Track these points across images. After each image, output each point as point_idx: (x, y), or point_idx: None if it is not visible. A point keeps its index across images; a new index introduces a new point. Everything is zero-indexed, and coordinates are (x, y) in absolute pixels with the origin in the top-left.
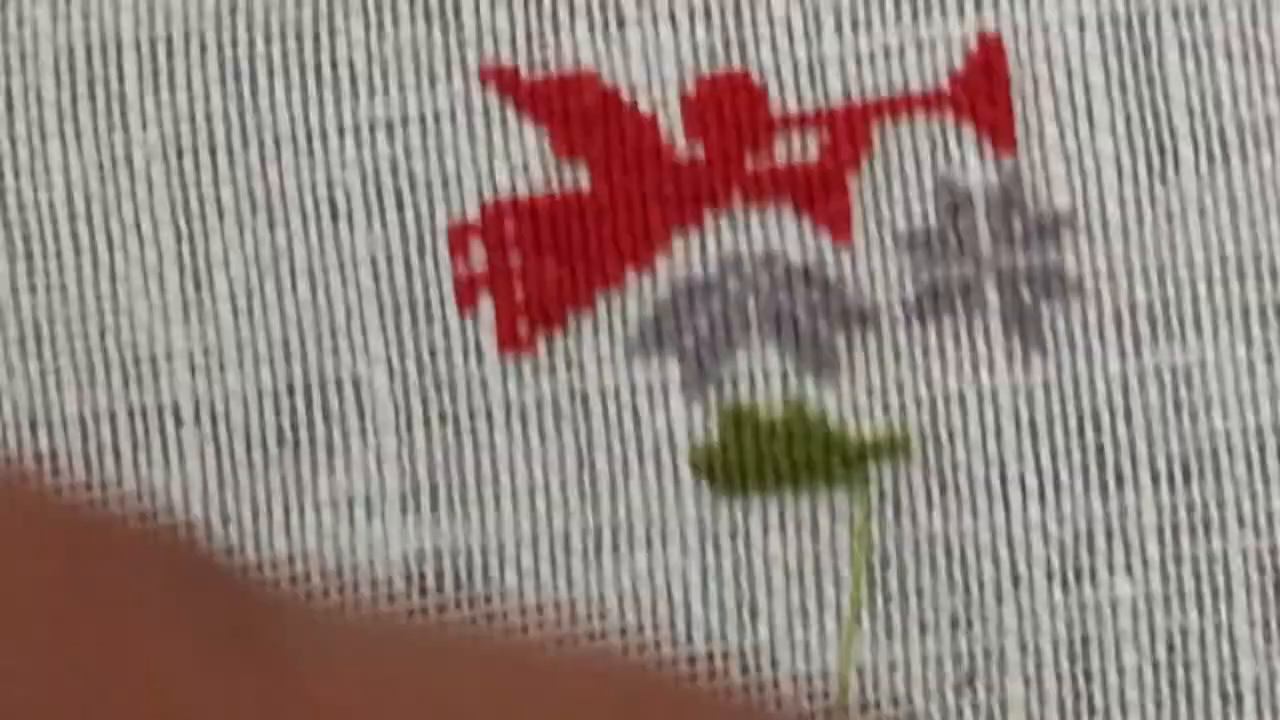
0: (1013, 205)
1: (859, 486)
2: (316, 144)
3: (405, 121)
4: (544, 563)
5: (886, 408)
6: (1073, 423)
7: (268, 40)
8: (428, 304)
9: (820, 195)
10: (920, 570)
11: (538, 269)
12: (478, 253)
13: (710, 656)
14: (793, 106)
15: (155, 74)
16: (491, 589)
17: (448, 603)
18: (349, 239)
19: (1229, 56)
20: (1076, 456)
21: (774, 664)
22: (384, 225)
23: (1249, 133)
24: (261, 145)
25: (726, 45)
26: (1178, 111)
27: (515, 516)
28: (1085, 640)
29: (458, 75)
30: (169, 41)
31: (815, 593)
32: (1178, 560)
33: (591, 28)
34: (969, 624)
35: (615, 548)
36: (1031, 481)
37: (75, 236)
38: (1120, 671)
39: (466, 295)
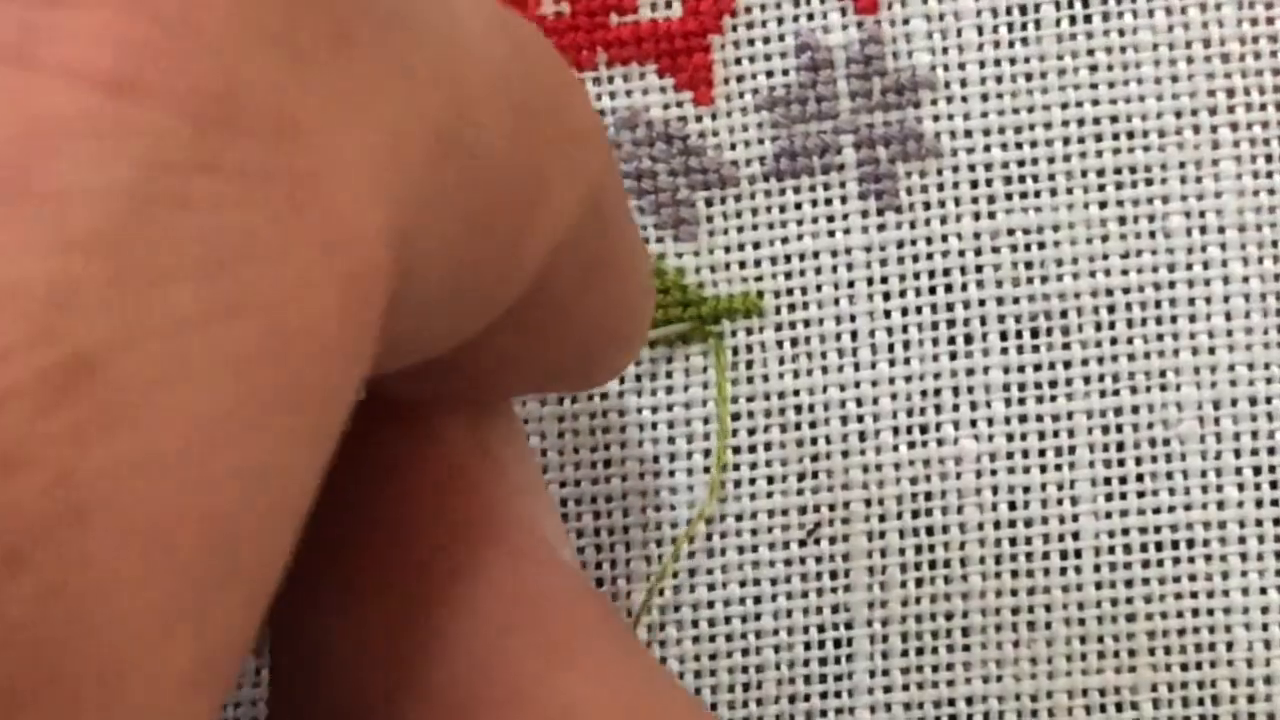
0: (872, 65)
1: (715, 344)
2: None
3: None
4: None
5: (743, 266)
6: (925, 282)
7: None
8: None
9: (683, 55)
10: (770, 425)
11: None
12: None
13: (564, 502)
14: None
15: None
16: None
17: None
18: None
19: None
20: (927, 315)
21: (625, 513)
22: None
23: None
24: None
25: None
26: None
27: None
28: (929, 495)
29: None
30: None
31: (668, 445)
32: (1023, 419)
33: None
34: (815, 477)
35: None
36: (882, 339)
37: None
38: (963, 527)
39: None
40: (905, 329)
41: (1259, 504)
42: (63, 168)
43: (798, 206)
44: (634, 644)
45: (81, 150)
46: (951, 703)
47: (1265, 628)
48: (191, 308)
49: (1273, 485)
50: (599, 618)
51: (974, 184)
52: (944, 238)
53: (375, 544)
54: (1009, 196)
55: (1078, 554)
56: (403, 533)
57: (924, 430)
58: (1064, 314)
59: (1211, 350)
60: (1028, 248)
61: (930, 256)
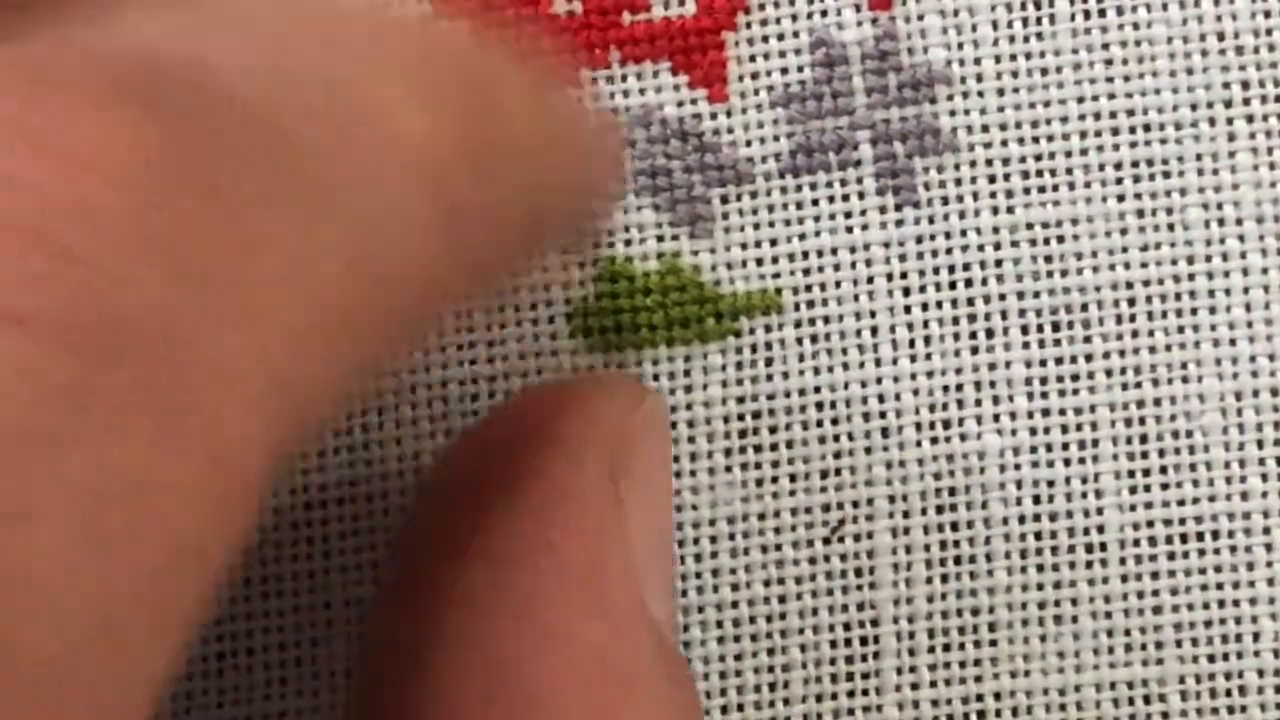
0: (888, 61)
1: (733, 342)
2: None
3: None
4: (422, 408)
5: (760, 263)
6: (944, 277)
7: None
8: None
9: (697, 53)
10: (791, 423)
11: None
12: None
13: None
14: None
15: None
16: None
17: None
18: None
19: None
20: (948, 310)
21: None
22: None
23: None
24: None
25: None
26: None
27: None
28: (953, 491)
29: None
30: None
31: (688, 445)
32: (1045, 413)
33: None
34: (838, 474)
35: (491, 395)
36: (903, 335)
37: None
38: (987, 522)
39: None
40: (925, 324)
41: None
42: None
43: (814, 203)
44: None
45: None
46: (979, 699)
47: None
48: (56, 549)
49: None
50: (668, 692)
51: (991, 178)
52: (963, 232)
53: (478, 580)
54: (1027, 191)
55: (1103, 547)
56: (508, 573)
57: (946, 426)
58: (1084, 307)
59: (1232, 342)
60: (1046, 241)
61: (949, 251)
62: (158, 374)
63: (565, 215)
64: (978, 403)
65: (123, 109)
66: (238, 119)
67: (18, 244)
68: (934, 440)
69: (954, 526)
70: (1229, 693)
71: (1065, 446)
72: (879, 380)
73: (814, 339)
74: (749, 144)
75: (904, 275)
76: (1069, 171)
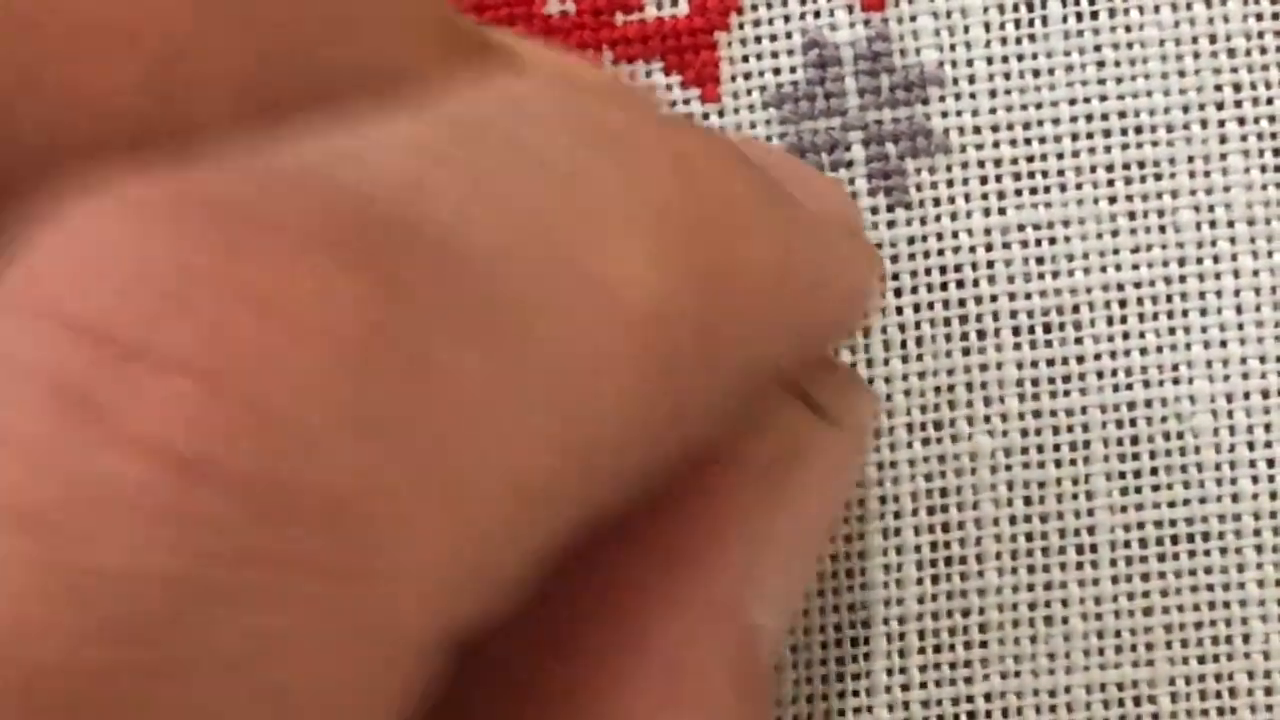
0: (880, 62)
1: None
2: None
3: None
4: None
5: None
6: (936, 278)
7: None
8: None
9: (690, 53)
10: None
11: None
12: None
13: None
14: None
15: None
16: None
17: None
18: None
19: None
20: (940, 311)
21: None
22: None
23: None
24: None
25: None
26: None
27: None
28: (944, 492)
29: None
30: None
31: None
32: (1037, 414)
33: None
34: None
35: None
36: (894, 336)
37: None
38: (979, 523)
39: None
40: (917, 325)
41: (1273, 496)
42: (108, 543)
43: None
44: None
45: (134, 528)
46: (970, 700)
47: None
48: (217, 704)
49: None
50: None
51: (983, 180)
52: (954, 234)
53: (587, 584)
54: (1018, 192)
55: (1094, 549)
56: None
57: (938, 427)
58: (1076, 309)
59: (1223, 344)
60: (1038, 243)
61: (941, 253)
62: (333, 546)
63: (811, 347)
64: (969, 404)
65: (343, 261)
66: (453, 276)
67: (194, 382)
68: (925, 441)
69: (945, 527)
70: (1219, 694)
71: (1057, 448)
72: (870, 380)
73: None
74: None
75: (895, 276)
76: (1060, 173)
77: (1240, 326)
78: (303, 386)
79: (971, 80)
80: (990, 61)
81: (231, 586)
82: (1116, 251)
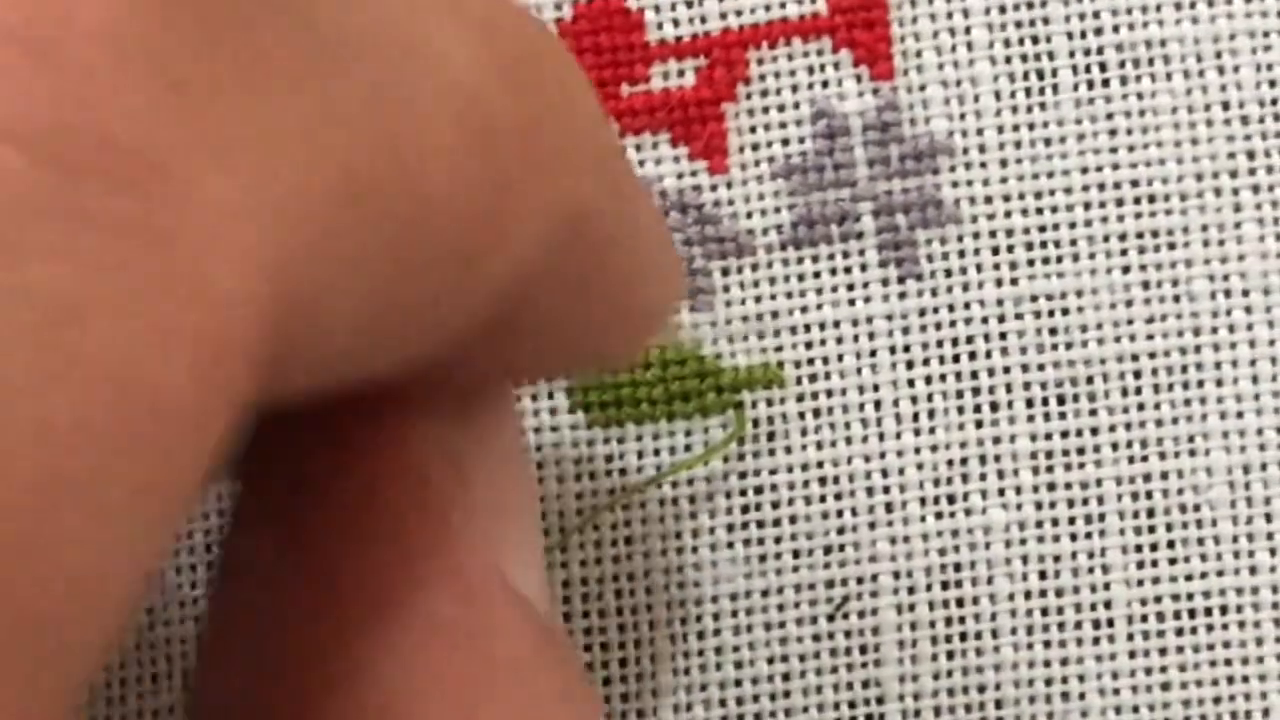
0: (889, 132)
1: (734, 416)
2: None
3: None
4: None
5: (761, 336)
6: (948, 350)
7: None
8: None
9: (697, 124)
10: (795, 498)
11: None
12: None
13: (584, 581)
14: (670, 34)
15: None
16: None
17: None
18: None
19: None
20: (952, 384)
21: (648, 591)
22: None
23: (1128, 57)
24: None
25: None
26: (1057, 36)
27: None
28: (958, 567)
29: None
30: None
31: (690, 521)
32: (1051, 487)
33: None
34: (841, 550)
35: None
36: (906, 409)
37: None
38: (993, 598)
39: None
40: (930, 398)
41: None
42: None
43: (816, 275)
44: (576, 688)
45: None
46: None
47: None
48: (24, 370)
49: None
50: (535, 662)
51: (995, 250)
52: (966, 305)
53: (304, 564)
54: (1030, 263)
55: (1110, 623)
56: (330, 552)
57: (951, 500)
58: (1090, 380)
59: (1239, 414)
60: (1051, 314)
61: (953, 324)
62: (137, 201)
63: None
64: (982, 477)
65: None
66: None
67: (17, 53)
68: (939, 515)
69: (959, 603)
70: None
71: (1071, 521)
72: (882, 454)
73: (816, 413)
74: (750, 216)
75: (907, 348)
76: (1073, 243)
77: (1256, 397)
78: (94, 32)
79: (982, 150)
80: (1001, 130)
81: (27, 241)
82: (1130, 322)
